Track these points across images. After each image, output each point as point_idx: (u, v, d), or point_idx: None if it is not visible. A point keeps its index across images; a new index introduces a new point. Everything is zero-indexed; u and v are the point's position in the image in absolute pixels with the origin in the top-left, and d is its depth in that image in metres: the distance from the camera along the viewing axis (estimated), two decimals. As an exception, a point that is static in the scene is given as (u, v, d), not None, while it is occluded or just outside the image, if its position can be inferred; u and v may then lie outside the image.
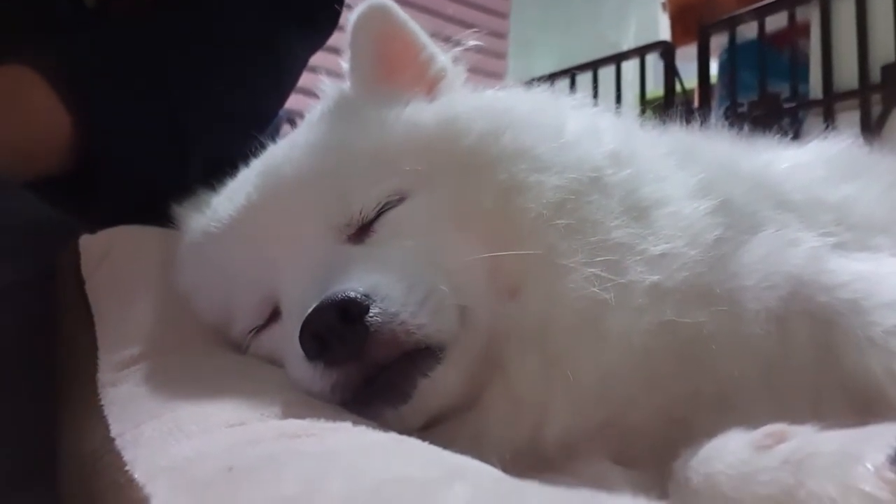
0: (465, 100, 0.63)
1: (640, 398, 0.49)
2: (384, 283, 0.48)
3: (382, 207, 0.56)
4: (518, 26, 4.31)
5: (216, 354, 0.59)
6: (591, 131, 0.60)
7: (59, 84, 0.76)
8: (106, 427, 0.47)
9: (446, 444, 0.40)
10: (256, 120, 0.95)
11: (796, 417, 0.41)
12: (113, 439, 0.45)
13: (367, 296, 0.47)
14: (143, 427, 0.44)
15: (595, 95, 2.32)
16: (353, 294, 0.46)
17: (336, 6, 0.98)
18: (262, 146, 0.66)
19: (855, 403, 0.47)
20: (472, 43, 0.71)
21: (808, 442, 0.36)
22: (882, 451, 0.31)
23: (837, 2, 1.78)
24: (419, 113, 0.60)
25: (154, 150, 0.84)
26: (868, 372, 0.46)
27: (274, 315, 0.58)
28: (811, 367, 0.50)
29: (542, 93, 0.69)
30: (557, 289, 0.50)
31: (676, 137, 0.72)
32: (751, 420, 0.43)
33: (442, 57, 0.67)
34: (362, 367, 0.47)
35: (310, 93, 0.70)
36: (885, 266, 0.53)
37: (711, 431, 0.44)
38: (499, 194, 0.54)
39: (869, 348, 0.47)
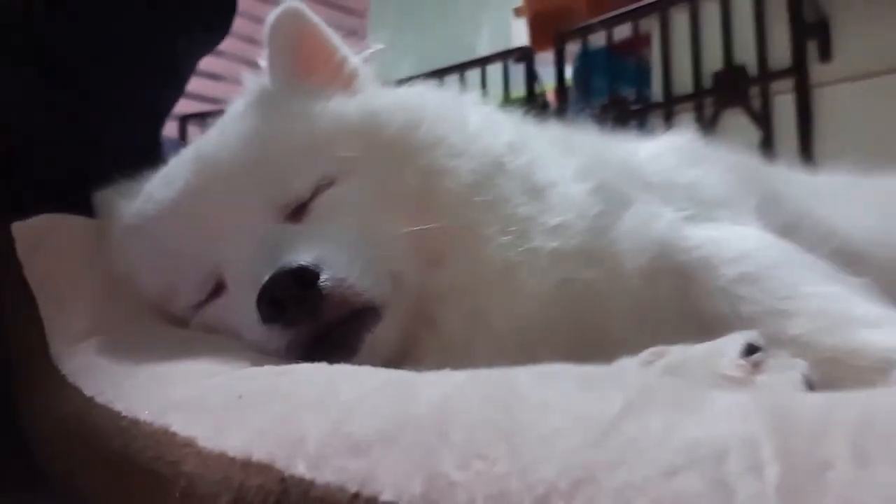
0: (383, 95, 0.70)
1: (546, 340, 0.59)
2: (329, 254, 0.55)
3: (316, 189, 0.62)
4: (376, 27, 4.37)
5: (162, 327, 0.63)
6: (491, 124, 0.69)
7: None
8: (78, 391, 0.51)
9: None
10: (157, 113, 0.98)
11: (668, 346, 0.52)
12: (91, 398, 0.49)
13: (317, 264, 0.53)
14: (122, 385, 0.49)
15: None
16: (304, 262, 0.53)
17: (231, 12, 1.02)
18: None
19: (707, 338, 0.59)
20: (377, 47, 0.78)
21: (681, 352, 0.47)
22: (735, 348, 0.43)
23: (675, 15, 2.00)
24: (343, 106, 0.66)
25: (59, 134, 0.84)
26: (718, 312, 0.59)
27: (217, 289, 0.63)
28: (675, 310, 0.61)
29: (445, 91, 0.78)
30: (476, 254, 0.59)
31: (556, 131, 0.82)
32: (631, 354, 0.54)
33: (354, 58, 0.74)
34: (315, 326, 0.53)
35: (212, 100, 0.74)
36: (726, 232, 0.66)
37: (602, 364, 0.55)
38: (422, 177, 0.62)
39: (718, 294, 0.59)
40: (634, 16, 2.07)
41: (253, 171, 0.63)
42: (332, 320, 0.54)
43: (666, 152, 0.82)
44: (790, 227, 0.76)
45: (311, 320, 0.53)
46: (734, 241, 0.63)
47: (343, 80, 0.72)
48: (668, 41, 1.99)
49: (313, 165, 0.63)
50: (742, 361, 0.42)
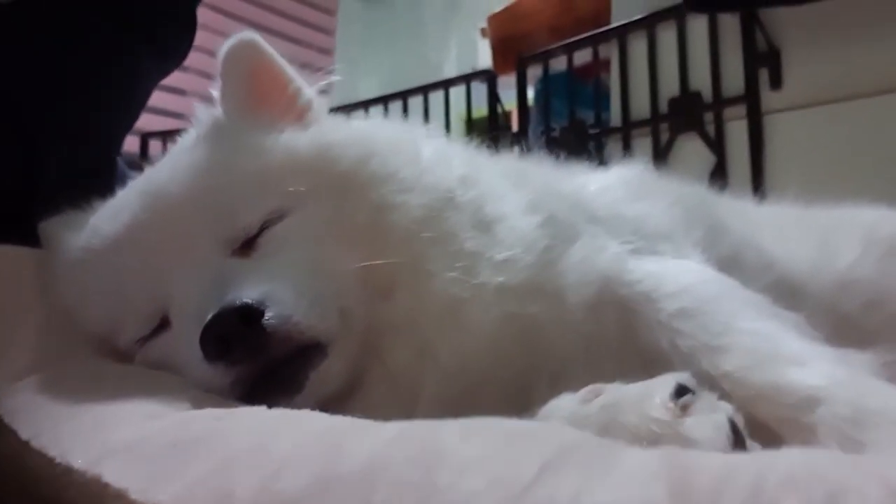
0: (335, 128, 0.70)
1: (491, 374, 0.59)
2: (275, 290, 0.55)
3: (265, 224, 0.62)
4: (343, 44, 4.39)
5: (107, 363, 0.63)
6: (443, 157, 0.70)
7: None
8: (13, 433, 0.50)
9: None
10: (108, 137, 0.97)
11: (609, 381, 0.54)
12: (27, 441, 0.48)
13: (262, 301, 0.53)
14: (61, 428, 0.48)
15: (426, 117, 2.48)
16: (250, 300, 0.53)
17: (188, 36, 1.02)
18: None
19: (649, 370, 0.60)
20: (334, 78, 0.78)
21: (616, 392, 0.48)
22: (666, 390, 0.44)
23: (633, 41, 2.04)
24: (295, 140, 0.66)
25: (6, 164, 0.83)
26: (658, 346, 0.60)
27: (162, 325, 0.62)
28: (619, 343, 0.62)
29: (399, 123, 0.78)
30: (424, 289, 0.60)
31: (510, 163, 0.83)
32: (576, 387, 0.55)
33: (308, 89, 0.74)
34: (260, 363, 0.53)
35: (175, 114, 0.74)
36: (668, 266, 0.67)
37: (546, 397, 0.56)
38: (371, 211, 0.62)
39: (657, 328, 0.61)
40: (594, 41, 2.11)
41: (201, 205, 0.62)
42: (277, 357, 0.54)
43: (614, 185, 0.83)
44: (732, 259, 0.78)
45: (256, 358, 0.53)
46: (675, 276, 0.65)
47: (296, 112, 0.72)
48: (626, 67, 2.03)
49: (262, 200, 0.62)
50: (671, 404, 0.43)
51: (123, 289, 0.63)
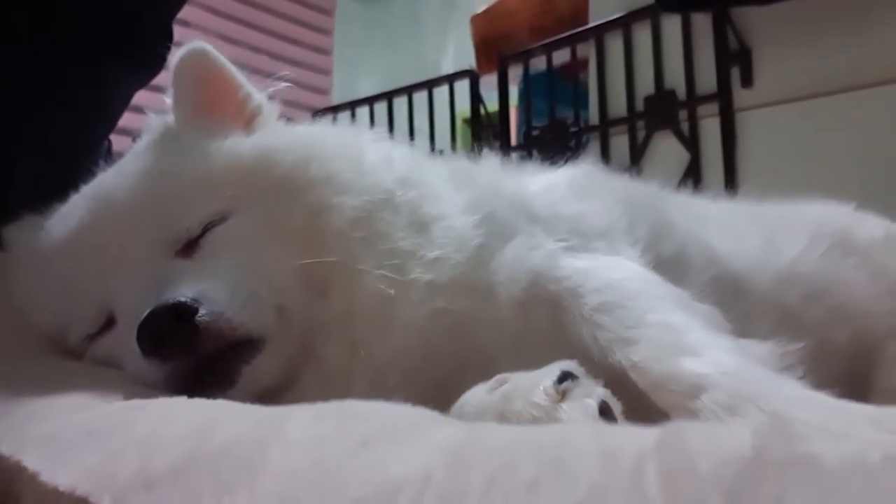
0: (278, 134, 0.73)
1: (422, 370, 0.62)
2: (210, 289, 0.58)
3: (207, 226, 0.64)
4: (342, 44, 4.42)
5: (53, 360, 0.66)
6: (386, 160, 0.72)
7: None
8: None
9: None
10: (83, 148, 1.00)
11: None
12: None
13: (195, 299, 0.56)
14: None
15: (411, 116, 2.52)
16: (183, 298, 0.56)
17: (163, 47, 1.05)
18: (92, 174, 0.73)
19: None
20: (283, 85, 0.80)
21: (515, 380, 0.51)
22: (551, 378, 0.47)
23: (609, 40, 2.07)
24: (238, 145, 0.69)
25: None
26: (581, 339, 0.63)
27: (108, 323, 0.65)
28: (548, 339, 0.64)
29: (346, 128, 0.82)
30: (355, 288, 0.62)
31: (457, 164, 0.86)
32: None
33: (257, 95, 0.76)
34: (193, 359, 0.56)
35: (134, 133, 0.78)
36: (599, 262, 0.69)
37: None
38: (308, 213, 0.65)
39: (581, 322, 0.63)
40: (573, 41, 2.14)
41: (144, 210, 0.65)
42: (210, 353, 0.56)
43: (558, 184, 0.85)
44: (676, 255, 0.81)
45: (188, 354, 0.55)
46: (601, 272, 0.67)
47: (245, 118, 0.75)
48: (603, 66, 2.05)
49: (203, 203, 0.65)
50: (552, 390, 0.46)
51: (71, 289, 0.66)
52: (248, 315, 0.58)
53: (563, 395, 0.46)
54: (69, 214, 0.69)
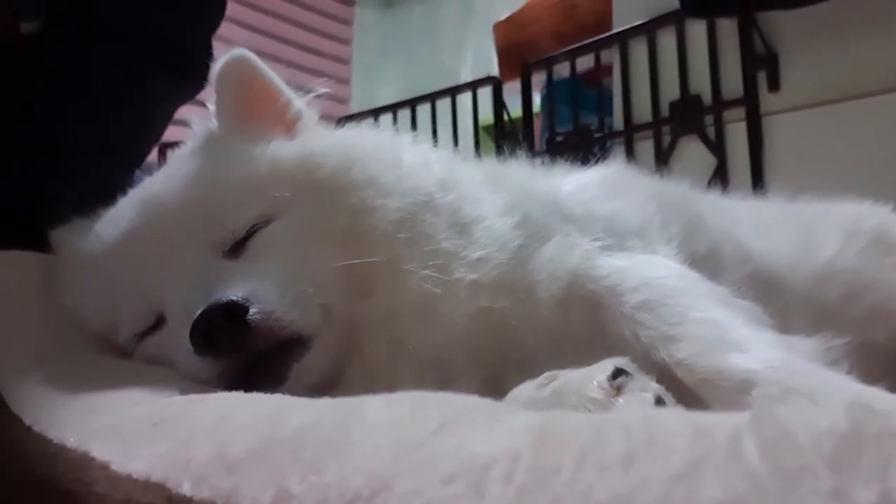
0: (319, 138, 0.75)
1: (465, 365, 0.63)
2: (260, 288, 0.59)
3: (252, 228, 0.66)
4: (360, 53, 4.45)
5: (105, 359, 0.68)
6: (424, 163, 0.74)
7: None
8: (19, 420, 0.55)
9: None
10: (129, 155, 1.03)
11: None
12: (29, 427, 0.53)
13: (246, 298, 0.57)
14: (57, 414, 0.53)
15: (434, 123, 2.53)
16: (234, 297, 0.57)
17: (205, 60, 1.07)
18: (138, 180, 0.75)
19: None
20: (322, 90, 0.82)
21: (567, 377, 0.52)
22: (604, 373, 0.48)
23: (634, 46, 2.07)
24: (281, 149, 0.71)
25: (31, 175, 0.88)
26: (622, 337, 0.63)
27: (157, 322, 0.67)
28: (587, 337, 0.65)
29: (383, 131, 0.83)
30: (400, 287, 0.64)
31: (489, 167, 0.87)
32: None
33: (298, 101, 0.78)
34: (245, 356, 0.57)
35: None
36: (635, 261, 0.70)
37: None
38: (351, 215, 0.67)
39: (622, 320, 0.64)
40: (596, 47, 2.15)
41: (191, 212, 0.67)
42: (261, 351, 0.58)
43: (589, 184, 0.86)
44: (710, 253, 0.81)
45: (240, 351, 0.57)
46: (639, 270, 0.67)
47: (286, 123, 0.76)
48: (627, 72, 2.06)
49: (249, 206, 0.67)
50: (606, 385, 0.47)
51: (121, 289, 0.67)
52: (296, 314, 0.59)
53: (619, 391, 0.46)
54: (118, 217, 0.71)
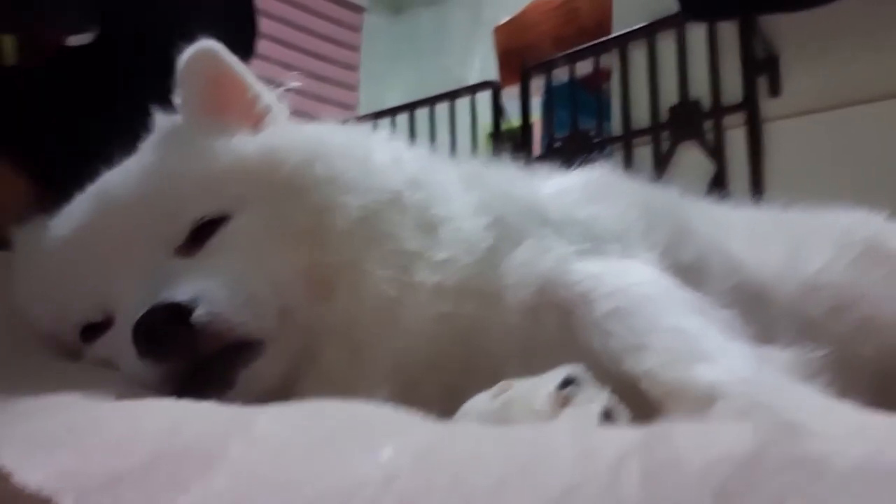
0: (284, 133, 0.71)
1: (427, 374, 0.60)
2: (209, 289, 0.56)
3: (208, 224, 0.63)
4: (368, 59, 4.45)
5: (49, 361, 0.65)
6: (396, 160, 0.71)
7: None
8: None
9: None
10: None
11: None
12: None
13: (193, 299, 0.54)
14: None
15: (432, 128, 2.51)
16: (180, 298, 0.54)
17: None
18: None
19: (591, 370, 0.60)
20: (294, 85, 0.79)
21: (518, 387, 0.49)
22: (552, 383, 0.45)
23: (633, 51, 2.04)
24: (243, 144, 0.68)
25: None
26: (592, 346, 0.60)
27: (107, 322, 0.64)
28: (557, 345, 0.62)
29: (354, 128, 0.80)
30: (361, 289, 0.61)
31: (468, 167, 0.84)
32: None
33: (267, 95, 0.75)
34: (190, 360, 0.54)
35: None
36: (611, 266, 0.67)
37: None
38: (312, 213, 0.64)
39: (591, 328, 0.61)
40: (596, 51, 2.12)
41: (144, 207, 0.64)
42: (207, 355, 0.55)
43: (571, 188, 0.83)
44: (696, 262, 0.78)
45: (184, 355, 0.54)
46: (613, 277, 0.64)
47: (254, 118, 0.73)
48: (626, 76, 2.03)
49: (204, 200, 0.64)
50: (554, 396, 0.44)
51: (70, 287, 0.65)
52: (247, 316, 0.57)
53: (566, 401, 0.43)
54: (71, 213, 0.68)
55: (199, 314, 0.54)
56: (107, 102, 0.94)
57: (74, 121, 0.92)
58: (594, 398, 0.43)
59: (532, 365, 0.62)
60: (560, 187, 0.83)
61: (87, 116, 0.93)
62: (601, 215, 0.78)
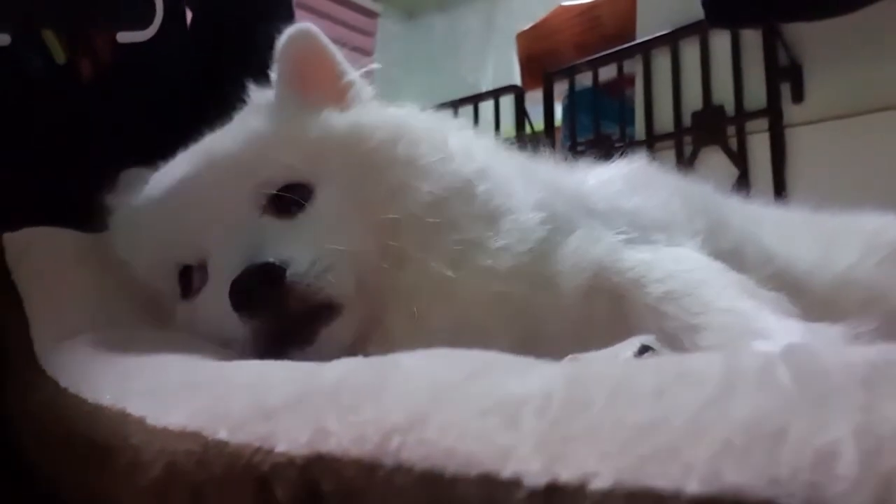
0: (370, 112, 0.76)
1: (481, 346, 0.64)
2: (298, 252, 0.61)
3: (294, 189, 0.67)
4: (382, 65, 4.47)
5: (143, 328, 0.69)
6: (466, 150, 0.74)
7: None
8: (54, 383, 0.57)
9: None
10: None
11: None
12: (65, 388, 0.55)
13: (285, 262, 0.59)
14: (92, 377, 0.54)
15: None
16: (273, 260, 0.59)
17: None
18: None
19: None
20: (373, 67, 0.86)
21: (591, 356, 0.53)
22: (629, 350, 0.48)
23: (656, 57, 2.07)
24: (333, 118, 0.72)
25: None
26: (647, 329, 0.64)
27: (201, 266, 0.68)
28: (609, 328, 0.66)
29: (434, 113, 0.83)
30: (423, 267, 0.65)
31: (523, 161, 0.88)
32: None
33: (355, 76, 0.80)
34: (278, 317, 0.59)
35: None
36: (661, 253, 0.71)
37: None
38: (388, 192, 0.68)
39: (645, 311, 0.65)
40: (619, 57, 2.15)
41: (239, 164, 0.69)
42: (294, 314, 0.60)
43: (613, 179, 0.87)
44: (733, 252, 0.82)
45: (275, 312, 0.59)
46: (664, 262, 0.68)
47: (343, 97, 0.78)
48: (650, 82, 2.06)
49: (292, 164, 0.68)
50: (635, 360, 0.47)
51: (170, 233, 0.69)
52: (328, 281, 0.61)
53: (646, 366, 0.47)
54: (174, 166, 0.73)
55: (290, 275, 0.59)
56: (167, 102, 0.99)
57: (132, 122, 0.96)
58: (671, 360, 0.47)
59: (584, 344, 0.66)
60: (603, 179, 0.87)
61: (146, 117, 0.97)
62: (645, 205, 0.82)
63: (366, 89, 0.79)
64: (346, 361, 0.38)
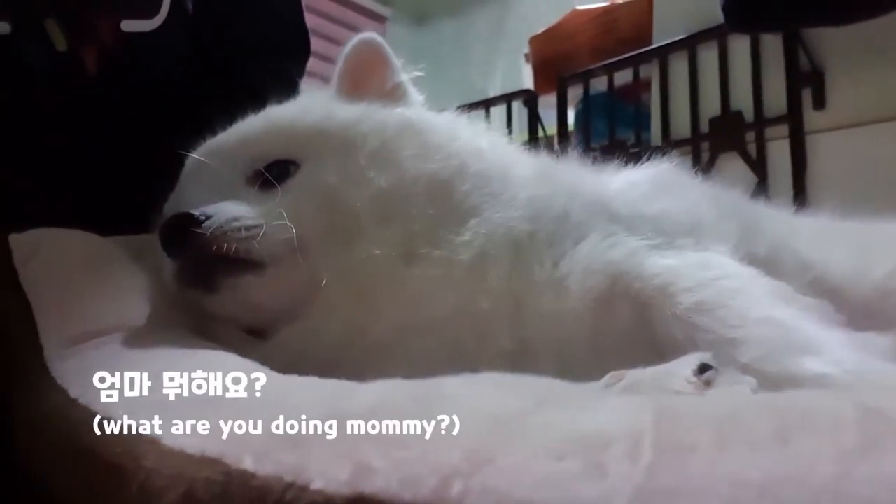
0: (420, 112, 0.79)
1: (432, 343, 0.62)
2: (232, 212, 0.63)
3: (286, 166, 0.69)
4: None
5: (153, 332, 0.66)
6: (476, 151, 0.73)
7: None
8: (64, 392, 0.53)
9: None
10: None
11: (615, 369, 0.54)
12: (75, 399, 0.51)
13: (205, 215, 0.62)
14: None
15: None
16: (194, 212, 0.62)
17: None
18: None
19: (662, 360, 0.60)
20: (418, 73, 0.87)
21: (638, 374, 0.49)
22: (689, 368, 0.45)
23: (673, 62, 2.04)
24: (338, 107, 0.75)
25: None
26: (675, 339, 0.60)
27: None
28: (629, 336, 0.62)
29: (451, 116, 0.83)
30: (366, 253, 0.64)
31: (540, 162, 0.85)
32: (582, 372, 0.54)
33: (405, 79, 0.83)
34: (194, 260, 0.63)
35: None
36: (687, 260, 0.67)
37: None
38: (346, 178, 0.68)
39: (674, 322, 0.61)
40: (635, 61, 2.12)
41: (239, 143, 0.72)
42: (207, 260, 0.62)
43: (639, 182, 0.84)
44: (769, 257, 0.78)
45: (191, 256, 0.62)
46: (692, 270, 0.64)
47: (393, 97, 0.80)
48: (667, 87, 2.03)
49: (285, 145, 0.70)
50: (694, 379, 0.43)
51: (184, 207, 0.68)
52: (254, 239, 0.62)
53: (708, 385, 0.43)
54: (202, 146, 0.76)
55: (206, 226, 0.62)
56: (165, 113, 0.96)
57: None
58: (738, 379, 0.43)
59: (600, 353, 0.62)
60: (628, 182, 0.84)
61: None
62: (671, 209, 0.78)
63: (413, 92, 0.83)
64: (379, 384, 0.34)
